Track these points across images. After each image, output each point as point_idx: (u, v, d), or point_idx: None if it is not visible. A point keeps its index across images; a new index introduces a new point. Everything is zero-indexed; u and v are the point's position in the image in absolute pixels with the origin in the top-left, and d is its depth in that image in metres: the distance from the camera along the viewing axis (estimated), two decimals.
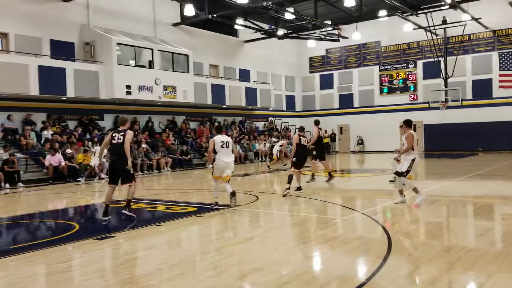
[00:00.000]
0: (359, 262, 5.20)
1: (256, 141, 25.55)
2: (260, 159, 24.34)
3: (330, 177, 13.16)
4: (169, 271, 5.05)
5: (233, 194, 9.00)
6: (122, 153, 8.00)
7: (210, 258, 5.65)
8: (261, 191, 12.05)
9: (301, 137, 11.12)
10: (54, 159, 15.86)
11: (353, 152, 31.20)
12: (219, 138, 9.24)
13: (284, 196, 10.25)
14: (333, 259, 5.44)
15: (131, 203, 8.48)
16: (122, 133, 8.13)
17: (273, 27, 27.48)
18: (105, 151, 9.10)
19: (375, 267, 4.84)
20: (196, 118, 25.79)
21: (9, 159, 14.81)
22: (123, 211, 8.33)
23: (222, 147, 9.13)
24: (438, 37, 26.51)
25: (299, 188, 11.05)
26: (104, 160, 11.20)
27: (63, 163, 15.95)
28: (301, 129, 11.99)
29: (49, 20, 18.98)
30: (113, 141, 8.17)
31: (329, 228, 7.20)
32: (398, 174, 8.75)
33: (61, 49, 19.15)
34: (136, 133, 21.04)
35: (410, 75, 29.39)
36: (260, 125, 30.29)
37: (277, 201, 10.00)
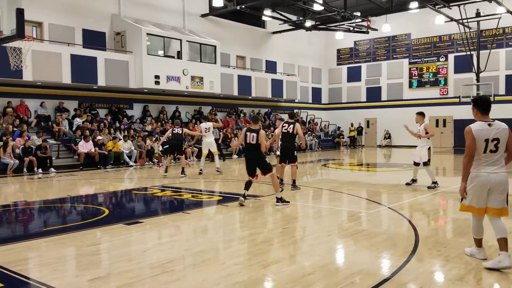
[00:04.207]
0: (384, 257, 5.16)
1: None
2: None
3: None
4: (194, 257, 5.15)
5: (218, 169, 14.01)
6: (291, 141, 9.99)
7: (234, 246, 5.72)
8: (285, 183, 12.04)
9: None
10: (87, 146, 16.32)
11: (379, 146, 30.79)
12: (203, 125, 14.35)
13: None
14: (358, 252, 5.42)
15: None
16: (293, 125, 9.95)
17: (301, 18, 27.26)
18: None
19: (400, 262, 4.80)
20: (222, 109, 25.95)
21: (42, 145, 15.31)
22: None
23: (205, 131, 14.05)
24: (470, 30, 25.72)
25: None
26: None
27: (93, 150, 16.39)
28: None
29: (81, 10, 19.39)
30: (284, 130, 10.04)
31: (354, 221, 7.17)
32: (418, 164, 10.44)
33: (93, 39, 19.57)
34: (163, 122, 21.38)
35: (440, 69, 28.69)
36: (286, 117, 30.19)
37: (301, 193, 10.00)
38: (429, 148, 10.30)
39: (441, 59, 28.71)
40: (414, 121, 10.51)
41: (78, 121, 18.13)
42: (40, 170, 14.93)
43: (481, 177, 4.61)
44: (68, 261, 5.26)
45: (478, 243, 4.91)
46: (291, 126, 10.02)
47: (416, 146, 10.74)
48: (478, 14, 24.92)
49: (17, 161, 14.63)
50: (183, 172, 13.50)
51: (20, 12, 7.85)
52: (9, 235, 6.65)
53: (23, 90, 17.55)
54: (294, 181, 10.31)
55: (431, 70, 29.09)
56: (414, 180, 10.75)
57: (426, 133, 10.25)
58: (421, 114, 10.46)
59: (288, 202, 8.35)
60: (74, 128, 17.80)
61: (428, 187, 10.23)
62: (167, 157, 14.50)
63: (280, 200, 8.24)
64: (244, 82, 25.15)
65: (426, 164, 10.29)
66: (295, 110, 30.39)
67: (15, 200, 9.92)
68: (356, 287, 4.14)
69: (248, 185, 8.39)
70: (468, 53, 25.57)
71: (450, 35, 28.05)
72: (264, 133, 8.27)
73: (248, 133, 8.18)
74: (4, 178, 13.68)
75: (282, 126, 10.20)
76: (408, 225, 6.71)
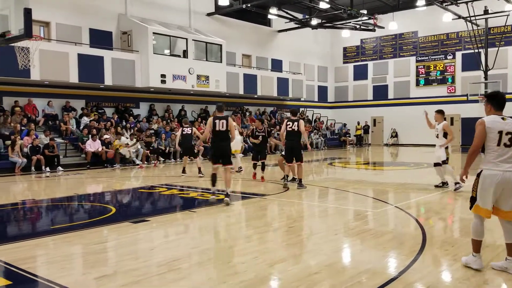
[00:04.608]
0: (391, 256, 5.14)
1: None
2: None
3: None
4: (200, 255, 5.16)
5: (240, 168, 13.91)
6: (297, 139, 10.13)
7: (240, 245, 5.72)
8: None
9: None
10: (95, 145, 16.41)
11: (386, 144, 30.65)
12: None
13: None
14: (364, 251, 5.40)
15: None
16: (296, 122, 10.09)
17: (307, 16, 27.19)
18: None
19: (407, 262, 4.78)
20: (228, 108, 25.95)
21: (50, 143, 15.41)
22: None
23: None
24: (478, 28, 25.49)
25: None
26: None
27: (100, 149, 16.48)
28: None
29: (88, 10, 19.48)
30: (288, 129, 10.15)
31: (361, 220, 7.14)
32: (438, 164, 9.89)
33: (100, 38, 19.66)
34: (169, 121, 21.42)
35: (448, 67, 28.47)
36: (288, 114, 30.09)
37: (307, 192, 9.98)
38: (446, 147, 9.98)
39: (448, 57, 28.50)
40: (421, 119, 10.37)
41: (85, 120, 18.23)
42: (47, 169, 15.03)
43: (496, 176, 4.27)
44: (75, 259, 5.29)
45: (477, 247, 4.48)
46: (295, 123, 10.10)
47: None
48: (486, 12, 24.70)
49: (25, 160, 14.74)
50: (200, 171, 13.34)
51: (27, 12, 7.90)
52: (17, 233, 6.70)
53: (31, 90, 17.67)
54: (300, 180, 10.29)
55: (438, 68, 28.89)
56: (444, 183, 10.10)
57: (445, 133, 9.79)
58: (441, 113, 9.93)
59: (229, 196, 8.40)
60: (81, 127, 17.90)
61: (436, 186, 10.12)
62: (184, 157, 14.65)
63: (227, 195, 8.39)
64: (250, 81, 25.14)
65: (444, 162, 9.88)
66: (301, 109, 30.35)
67: (23, 198, 9.99)
68: (363, 286, 4.12)
69: (214, 178, 8.57)
70: (476, 50, 25.38)
71: (457, 33, 27.82)
72: (232, 120, 8.42)
73: (217, 121, 8.32)
74: (13, 177, 13.79)
75: (286, 124, 10.23)
76: (415, 224, 6.67)
